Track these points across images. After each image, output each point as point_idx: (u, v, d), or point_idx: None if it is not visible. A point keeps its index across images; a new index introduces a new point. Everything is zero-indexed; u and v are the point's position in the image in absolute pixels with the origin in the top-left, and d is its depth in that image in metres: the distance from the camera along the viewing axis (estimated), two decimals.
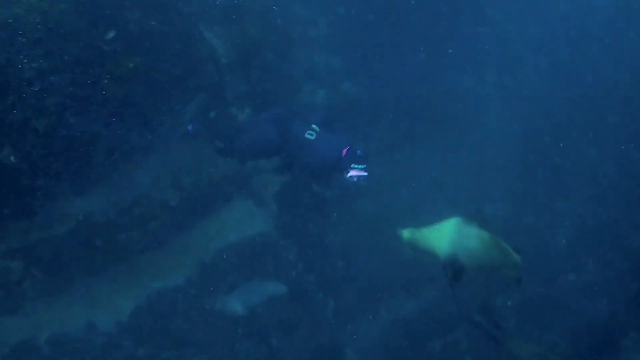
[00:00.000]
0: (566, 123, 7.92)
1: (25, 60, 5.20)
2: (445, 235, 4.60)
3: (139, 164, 6.64)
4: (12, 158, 5.48)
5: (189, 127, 6.85)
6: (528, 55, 8.46)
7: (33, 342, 6.38)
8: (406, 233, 4.98)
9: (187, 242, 7.30)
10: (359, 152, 5.99)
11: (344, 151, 5.98)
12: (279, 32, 7.18)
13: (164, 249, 7.08)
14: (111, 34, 5.62)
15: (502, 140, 8.00)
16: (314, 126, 6.11)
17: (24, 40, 5.18)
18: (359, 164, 5.88)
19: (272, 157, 6.50)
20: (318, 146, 5.97)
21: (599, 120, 7.96)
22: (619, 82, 8.12)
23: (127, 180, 6.67)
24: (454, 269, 4.63)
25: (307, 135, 6.05)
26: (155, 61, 5.94)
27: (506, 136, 8.06)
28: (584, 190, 7.40)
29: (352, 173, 5.87)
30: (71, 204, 6.51)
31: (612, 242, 6.97)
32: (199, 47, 6.50)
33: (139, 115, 6.08)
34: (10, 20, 5.13)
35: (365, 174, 5.88)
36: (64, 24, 5.35)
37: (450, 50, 7.79)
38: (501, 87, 8.48)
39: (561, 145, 7.64)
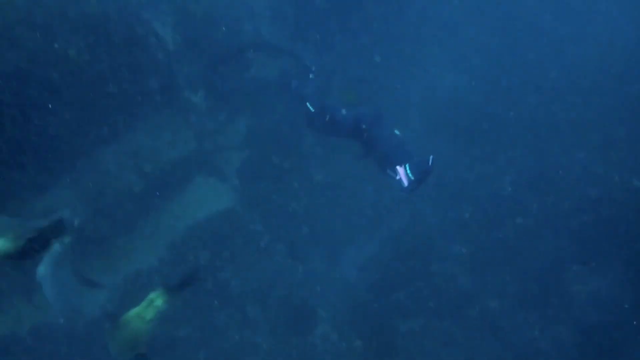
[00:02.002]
0: (508, 77, 8.30)
1: None
2: None
3: (101, 155, 6.77)
4: None
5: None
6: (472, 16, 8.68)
7: (15, 335, 6.65)
8: None
9: (155, 224, 7.52)
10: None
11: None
12: (224, 10, 7.23)
13: (134, 234, 7.31)
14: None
15: (450, 96, 8.33)
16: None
17: None
18: (413, 173, 5.79)
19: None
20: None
21: (539, 73, 8.35)
22: (555, 35, 8.50)
23: (90, 171, 6.81)
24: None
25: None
26: (103, 53, 6.01)
27: (454, 90, 8.38)
28: (526, 140, 7.87)
29: (400, 172, 5.83)
30: (35, 198, 6.65)
31: (552, 186, 7.52)
32: (146, 35, 6.56)
33: (89, 106, 6.19)
34: None
35: (405, 183, 5.80)
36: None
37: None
38: (445, 43, 8.73)
39: (503, 98, 8.03)
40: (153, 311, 5.56)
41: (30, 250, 4.69)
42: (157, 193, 7.31)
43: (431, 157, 5.83)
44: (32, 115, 5.98)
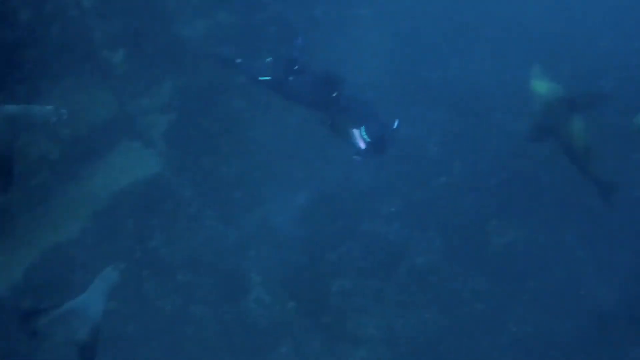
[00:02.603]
0: (433, 39, 8.47)
1: None
2: None
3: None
4: None
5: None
6: None
7: None
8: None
9: (75, 194, 7.14)
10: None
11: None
12: None
13: (52, 203, 6.89)
14: None
15: (375, 58, 8.39)
16: None
17: None
18: (370, 136, 5.61)
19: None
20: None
21: (463, 34, 8.58)
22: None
23: None
24: None
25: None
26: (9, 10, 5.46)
27: (380, 53, 8.46)
28: (450, 102, 8.14)
29: (357, 135, 5.66)
30: None
31: (473, 146, 7.88)
32: None
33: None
34: None
35: (362, 146, 5.64)
36: None
37: None
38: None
39: (428, 60, 8.22)
40: None
41: None
42: (76, 160, 6.92)
43: (396, 121, 5.60)
44: None
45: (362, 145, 5.65)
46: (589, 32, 8.54)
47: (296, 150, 7.48)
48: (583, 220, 7.75)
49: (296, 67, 6.18)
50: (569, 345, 7.21)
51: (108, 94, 6.97)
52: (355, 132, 5.63)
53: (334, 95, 5.92)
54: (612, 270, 7.54)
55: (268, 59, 6.76)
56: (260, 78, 6.39)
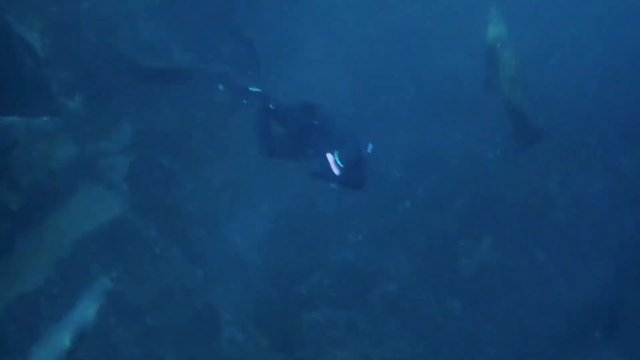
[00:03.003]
0: (388, 64, 8.62)
1: None
2: None
3: None
4: None
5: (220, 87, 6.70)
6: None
7: None
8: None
9: (38, 241, 7.00)
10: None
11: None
12: (96, 9, 6.86)
13: (14, 254, 6.75)
14: None
15: (332, 86, 8.48)
16: None
17: None
18: (343, 162, 5.32)
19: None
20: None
21: (419, 58, 8.76)
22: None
23: None
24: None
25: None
26: None
27: (336, 81, 8.55)
28: (408, 125, 8.23)
29: (330, 161, 5.37)
30: None
31: (435, 168, 7.96)
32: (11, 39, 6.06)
33: None
34: None
35: (334, 172, 5.36)
36: None
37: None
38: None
39: (384, 86, 8.34)
40: None
41: None
42: (37, 208, 6.82)
43: (370, 145, 5.34)
44: None
45: (336, 172, 5.38)
46: None
47: (258, 184, 7.47)
48: (549, 236, 7.88)
49: (271, 106, 6.15)
50: None
51: (67, 140, 6.92)
52: (329, 157, 5.39)
53: (315, 122, 5.77)
54: (583, 283, 7.62)
55: (220, 87, 6.89)
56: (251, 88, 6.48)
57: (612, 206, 7.96)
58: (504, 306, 7.67)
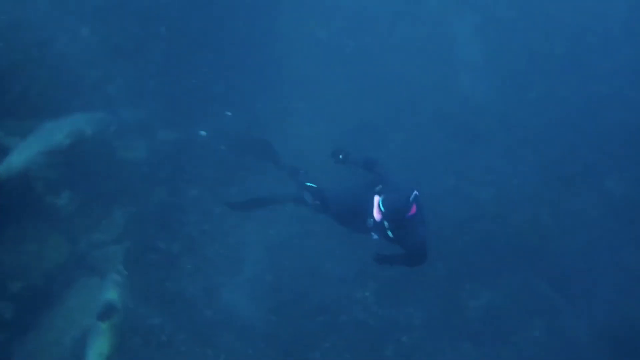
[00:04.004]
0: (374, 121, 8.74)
1: None
2: None
3: None
4: None
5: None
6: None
7: None
8: None
9: (35, 345, 6.70)
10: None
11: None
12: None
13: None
14: None
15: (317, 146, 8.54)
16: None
17: None
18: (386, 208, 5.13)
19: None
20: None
21: (403, 109, 8.90)
22: None
23: None
24: None
25: None
26: None
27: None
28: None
29: (375, 205, 5.26)
30: None
31: (432, 213, 7.94)
32: None
33: None
34: None
35: (378, 218, 5.26)
36: None
37: None
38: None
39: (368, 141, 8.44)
40: None
41: None
42: (33, 311, 6.54)
43: (414, 191, 5.14)
44: None
45: (378, 217, 5.26)
46: None
47: (260, 255, 7.37)
48: (551, 267, 7.95)
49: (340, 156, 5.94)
50: None
51: (58, 237, 6.71)
52: (375, 200, 5.26)
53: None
54: (590, 311, 7.69)
55: (228, 113, 6.77)
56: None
57: (606, 230, 8.12)
58: (516, 342, 7.67)
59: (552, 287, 7.89)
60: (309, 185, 6.17)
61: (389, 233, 5.42)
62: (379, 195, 5.30)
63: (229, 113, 7.03)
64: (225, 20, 8.39)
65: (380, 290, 7.64)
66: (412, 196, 5.16)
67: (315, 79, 8.68)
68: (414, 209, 5.25)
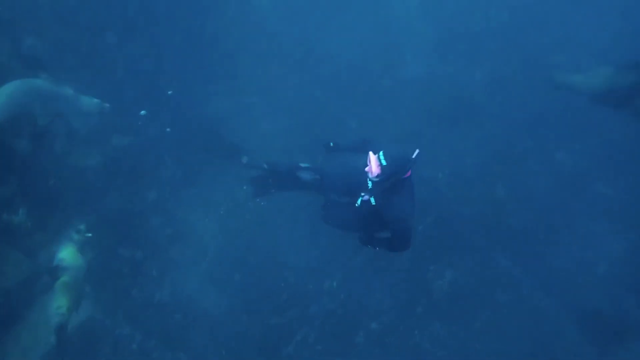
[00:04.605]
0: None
1: None
2: None
3: None
4: None
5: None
6: None
7: None
8: None
9: None
10: None
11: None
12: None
13: None
14: None
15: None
16: None
17: None
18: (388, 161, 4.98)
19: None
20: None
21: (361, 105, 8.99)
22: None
23: None
24: None
25: None
26: None
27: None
28: None
29: (373, 160, 5.02)
30: None
31: None
32: None
33: None
34: None
35: (377, 172, 4.99)
36: None
37: None
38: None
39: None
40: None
41: None
42: None
43: (416, 150, 5.04)
44: None
45: (377, 171, 4.99)
46: None
47: (226, 256, 7.38)
48: (510, 239, 8.22)
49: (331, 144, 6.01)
50: None
51: (17, 255, 6.56)
52: (372, 156, 5.00)
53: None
54: (550, 284, 8.00)
55: (142, 112, 6.74)
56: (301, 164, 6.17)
57: (558, 200, 8.43)
58: (484, 319, 7.92)
59: (511, 261, 8.16)
60: (304, 165, 6.20)
61: (372, 200, 5.28)
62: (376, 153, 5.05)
63: (143, 112, 6.96)
64: (174, 20, 8.28)
65: (347, 279, 7.75)
66: (415, 153, 5.07)
67: (267, 72, 8.64)
68: (409, 173, 5.16)
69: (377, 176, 5.08)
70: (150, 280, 7.14)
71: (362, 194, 5.40)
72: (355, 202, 5.49)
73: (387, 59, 9.23)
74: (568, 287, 8.03)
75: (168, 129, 7.12)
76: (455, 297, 7.93)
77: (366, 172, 5.17)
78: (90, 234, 6.71)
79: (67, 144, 6.96)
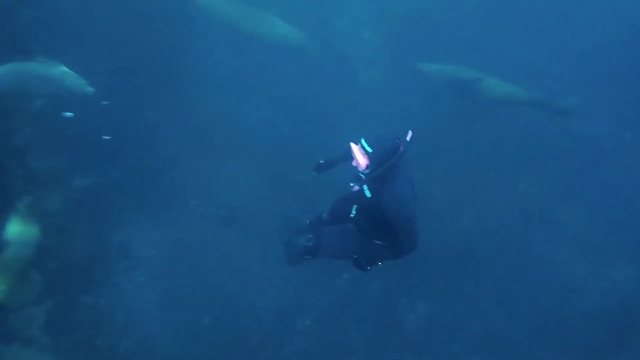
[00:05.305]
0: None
1: None
2: None
3: None
4: None
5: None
6: None
7: None
8: None
9: None
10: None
11: None
12: None
13: None
14: None
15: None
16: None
17: None
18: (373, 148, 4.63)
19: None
20: None
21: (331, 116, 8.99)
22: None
23: None
24: None
25: None
26: None
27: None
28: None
29: (356, 151, 4.65)
30: None
31: None
32: None
33: None
34: None
35: (364, 162, 4.70)
36: None
37: None
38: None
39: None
40: None
41: None
42: None
43: (409, 132, 4.73)
44: None
45: (365, 161, 4.61)
46: None
47: (193, 297, 7.13)
48: (478, 271, 8.29)
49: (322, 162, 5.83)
50: None
51: None
52: (354, 147, 4.61)
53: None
54: (519, 313, 8.08)
55: (68, 114, 6.63)
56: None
57: (522, 228, 8.61)
58: (455, 351, 7.92)
59: (480, 290, 8.22)
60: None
61: (367, 193, 4.87)
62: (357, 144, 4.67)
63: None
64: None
65: (320, 317, 7.62)
66: (409, 136, 4.75)
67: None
68: (401, 148, 4.72)
69: (367, 167, 4.70)
70: (116, 328, 6.79)
71: (351, 183, 4.97)
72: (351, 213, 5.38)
73: (338, 72, 9.29)
74: (538, 315, 8.16)
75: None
76: (428, 330, 7.91)
77: (355, 167, 4.80)
78: None
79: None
